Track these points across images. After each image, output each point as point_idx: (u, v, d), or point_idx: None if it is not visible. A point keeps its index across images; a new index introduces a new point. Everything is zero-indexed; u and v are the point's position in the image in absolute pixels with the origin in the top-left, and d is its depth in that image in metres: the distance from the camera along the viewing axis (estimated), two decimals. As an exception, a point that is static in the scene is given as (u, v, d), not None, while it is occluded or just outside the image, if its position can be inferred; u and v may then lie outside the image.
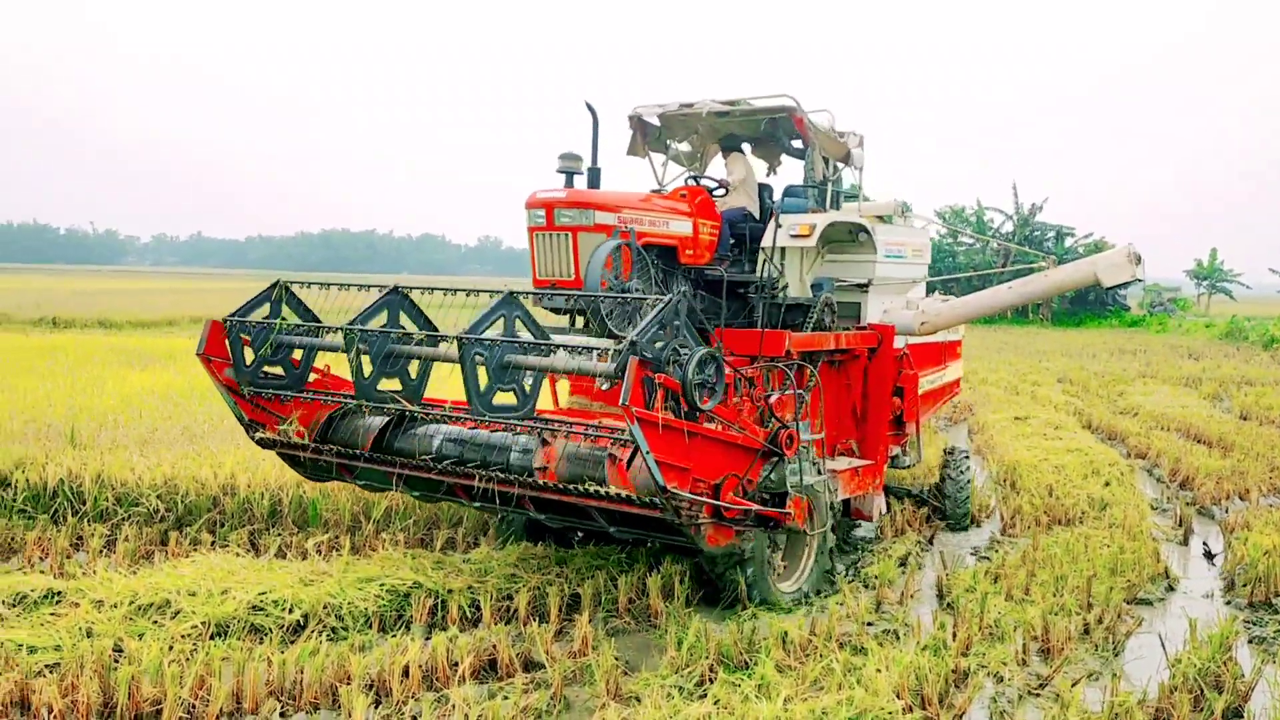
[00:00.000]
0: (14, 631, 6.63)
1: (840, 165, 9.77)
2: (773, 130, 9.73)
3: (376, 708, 6.02)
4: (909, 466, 10.80)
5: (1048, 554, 9.17)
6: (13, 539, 8.98)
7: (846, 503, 9.56)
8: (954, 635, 7.17)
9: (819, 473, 8.29)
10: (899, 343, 10.11)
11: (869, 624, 7.57)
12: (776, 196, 9.77)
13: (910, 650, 6.76)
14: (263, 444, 8.13)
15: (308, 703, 6.07)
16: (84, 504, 9.67)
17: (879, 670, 6.27)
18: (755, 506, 6.80)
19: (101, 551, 8.80)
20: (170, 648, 6.50)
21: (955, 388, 12.26)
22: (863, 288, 9.96)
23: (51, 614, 6.99)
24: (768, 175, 9.84)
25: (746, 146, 10.13)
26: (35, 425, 12.07)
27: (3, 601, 7.11)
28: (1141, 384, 24.37)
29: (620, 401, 5.95)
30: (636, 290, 7.51)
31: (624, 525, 7.21)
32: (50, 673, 6.17)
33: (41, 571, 8.06)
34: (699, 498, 6.40)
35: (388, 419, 7.69)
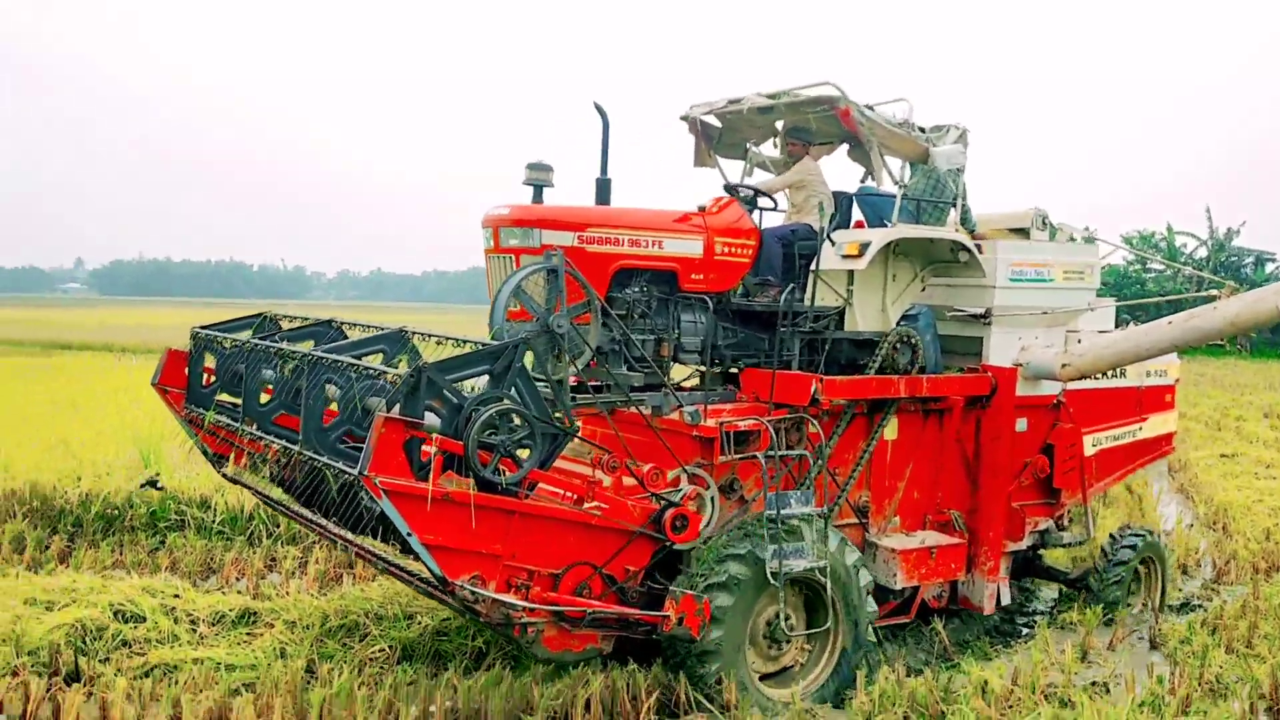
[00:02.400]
0: (214, 650, 6.92)
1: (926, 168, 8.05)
2: (830, 126, 8.12)
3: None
4: (1071, 545, 9.05)
5: (1270, 604, 8.40)
6: (212, 559, 9.39)
7: (954, 589, 8.28)
8: (1173, 691, 6.60)
9: (843, 551, 6.88)
10: (1054, 388, 8.48)
11: (1075, 675, 7.05)
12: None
13: (1125, 706, 6.25)
14: (231, 480, 7.56)
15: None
16: (278, 527, 10.06)
17: (1092, 727, 5.79)
18: (596, 606, 5.50)
19: (293, 573, 9.08)
20: (360, 670, 6.62)
21: (1163, 446, 9.82)
22: (982, 319, 8.47)
23: (247, 633, 7.28)
24: (885, 183, 8.05)
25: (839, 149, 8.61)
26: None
27: (204, 620, 7.42)
28: (1361, 420, 22.34)
29: (358, 470, 4.90)
30: (558, 327, 6.00)
31: None
32: (247, 691, 6.35)
33: (239, 591, 8.35)
34: (500, 597, 5.16)
35: None
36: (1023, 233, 8.75)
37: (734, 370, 7.80)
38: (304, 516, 6.50)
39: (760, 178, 8.72)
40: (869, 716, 6.26)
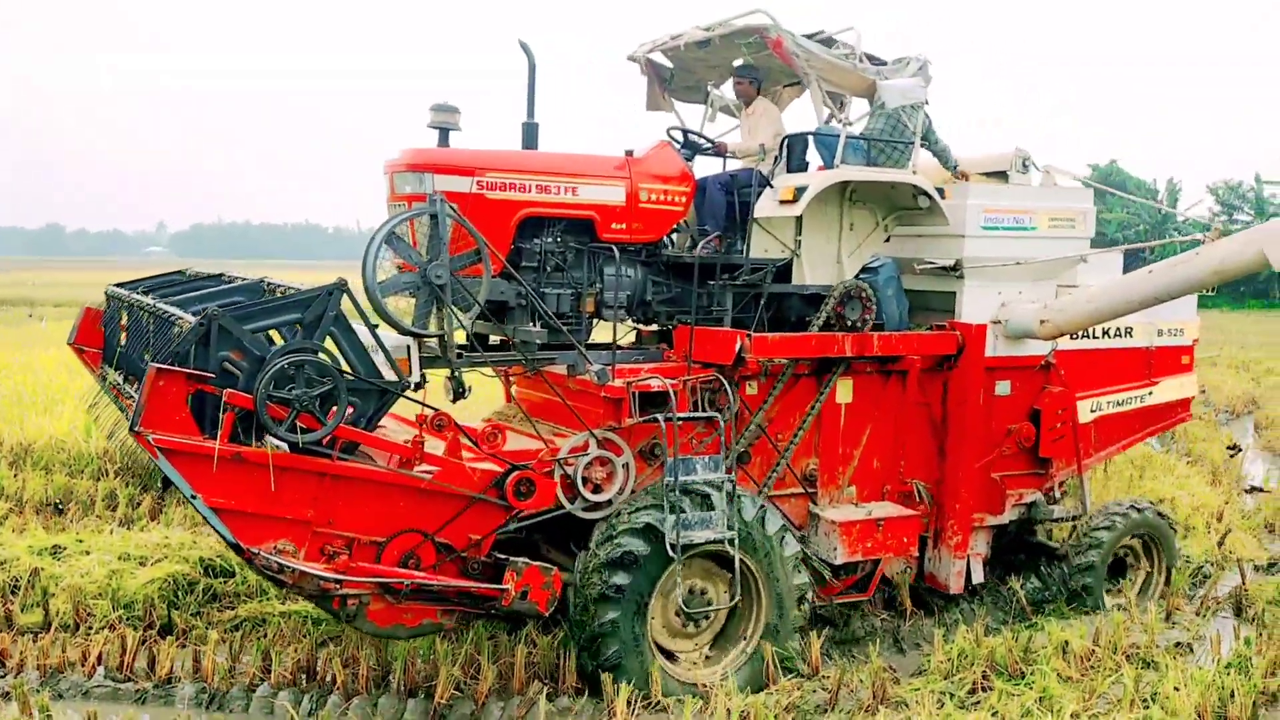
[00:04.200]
0: (303, 604, 7.07)
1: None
2: (766, 60, 7.42)
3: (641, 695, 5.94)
4: (1062, 521, 8.23)
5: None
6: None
7: (921, 566, 7.71)
8: (1260, 652, 6.48)
9: (762, 520, 6.32)
10: (1042, 348, 7.72)
11: (1159, 636, 6.99)
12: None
13: (1211, 668, 6.22)
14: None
15: (570, 687, 6.20)
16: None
17: (1177, 688, 5.82)
18: (417, 577, 5.02)
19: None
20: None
21: (1178, 412, 8.89)
22: (952, 272, 7.61)
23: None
24: (833, 121, 7.39)
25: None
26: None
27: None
28: None
29: (130, 426, 4.54)
30: (437, 277, 5.60)
31: None
32: (333, 644, 6.64)
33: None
34: (301, 566, 4.74)
35: None
36: (1001, 176, 7.95)
37: (669, 328, 7.24)
38: None
39: (726, 124, 8.09)
40: (947, 675, 6.28)
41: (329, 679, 6.18)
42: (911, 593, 7.70)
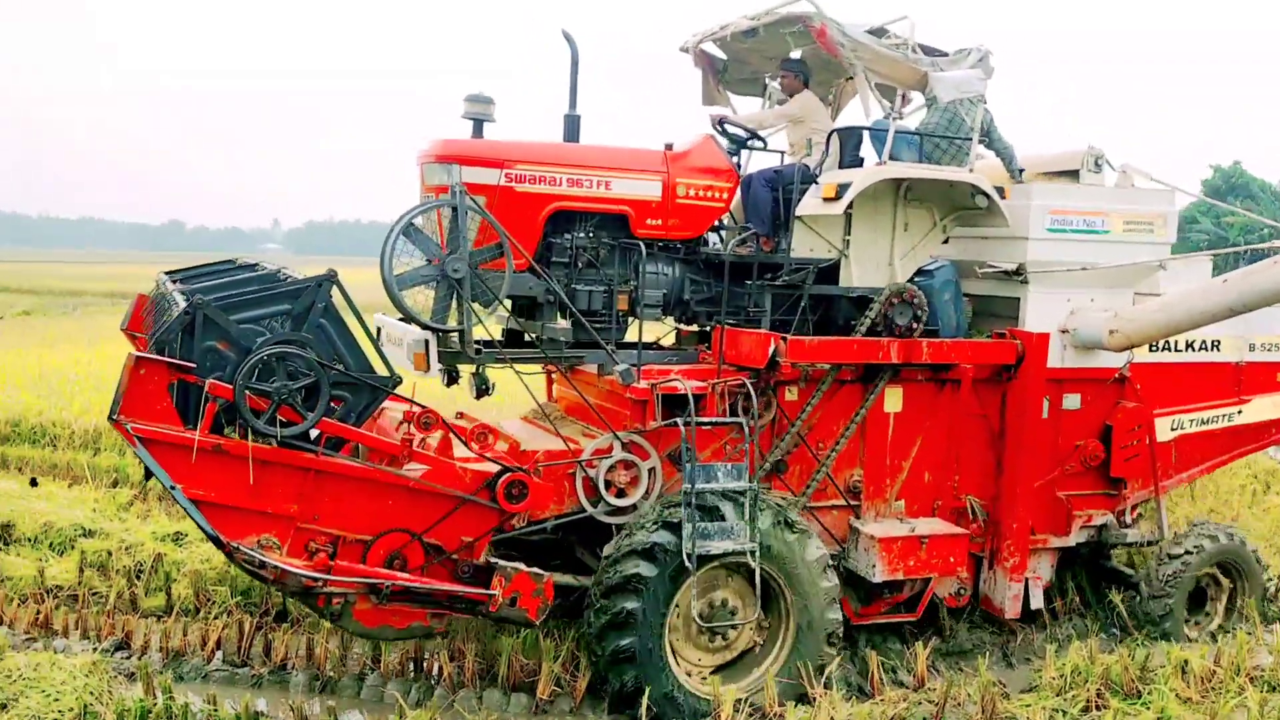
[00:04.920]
0: None
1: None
2: (817, 53, 7.07)
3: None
4: (1135, 545, 7.64)
5: None
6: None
7: (976, 587, 7.26)
8: None
9: (790, 530, 6.02)
10: (1116, 360, 7.24)
11: None
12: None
13: None
14: None
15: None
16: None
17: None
18: (402, 579, 4.85)
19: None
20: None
21: (1271, 433, 8.21)
22: (1015, 276, 7.13)
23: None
24: (891, 117, 6.87)
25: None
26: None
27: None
28: None
29: (109, 414, 4.44)
30: (454, 271, 5.52)
31: None
32: (440, 639, 6.52)
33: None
34: (279, 563, 4.61)
35: None
36: (1071, 175, 7.43)
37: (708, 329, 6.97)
38: None
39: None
40: (1060, 691, 6.12)
41: (436, 671, 6.31)
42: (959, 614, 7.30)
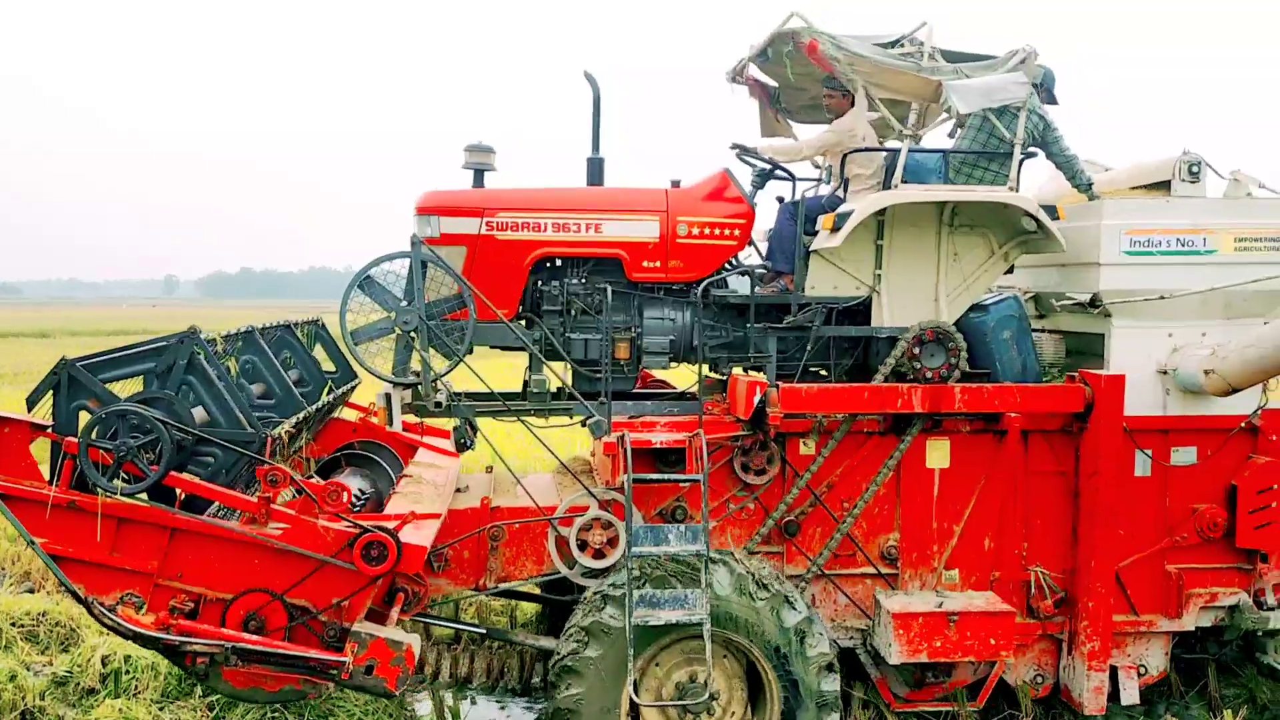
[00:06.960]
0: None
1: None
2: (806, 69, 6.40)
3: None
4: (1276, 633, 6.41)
5: None
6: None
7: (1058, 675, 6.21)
8: None
9: (762, 591, 5.37)
10: (1244, 406, 6.09)
11: None
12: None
13: None
14: None
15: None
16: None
17: None
18: (237, 639, 4.61)
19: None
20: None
21: None
22: (1092, 308, 6.19)
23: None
24: (903, 135, 6.19)
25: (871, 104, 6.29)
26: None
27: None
28: None
29: None
30: (404, 324, 5.58)
31: None
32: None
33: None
34: (132, 626, 4.59)
35: None
36: (1163, 187, 6.23)
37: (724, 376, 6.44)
38: None
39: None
40: None
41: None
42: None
